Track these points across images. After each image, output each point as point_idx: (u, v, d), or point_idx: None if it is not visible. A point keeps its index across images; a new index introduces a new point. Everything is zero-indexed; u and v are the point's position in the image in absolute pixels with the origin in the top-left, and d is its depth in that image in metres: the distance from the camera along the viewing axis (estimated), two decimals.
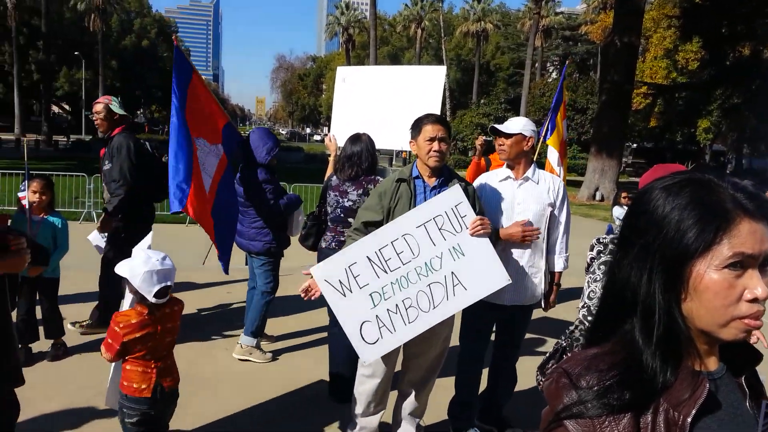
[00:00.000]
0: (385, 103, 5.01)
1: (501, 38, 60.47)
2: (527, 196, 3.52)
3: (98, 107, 5.17)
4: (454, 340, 3.87)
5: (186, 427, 3.80)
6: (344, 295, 2.99)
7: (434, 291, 3.03)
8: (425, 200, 3.21)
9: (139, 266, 2.77)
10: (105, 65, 49.52)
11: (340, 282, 2.98)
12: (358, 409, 3.51)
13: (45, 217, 4.69)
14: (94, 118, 5.22)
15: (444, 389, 4.16)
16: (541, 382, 2.27)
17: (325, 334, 5.07)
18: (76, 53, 49.01)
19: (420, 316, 3.02)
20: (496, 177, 3.61)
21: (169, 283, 2.84)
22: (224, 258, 4.72)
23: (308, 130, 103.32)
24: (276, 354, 5.15)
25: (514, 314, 3.63)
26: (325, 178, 4.45)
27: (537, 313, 3.89)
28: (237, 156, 4.99)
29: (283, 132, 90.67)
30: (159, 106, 72.69)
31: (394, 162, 34.18)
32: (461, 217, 3.04)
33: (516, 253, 3.50)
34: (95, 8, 48.04)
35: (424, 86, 5.00)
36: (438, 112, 4.62)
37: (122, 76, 56.13)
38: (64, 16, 49.74)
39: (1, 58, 46.64)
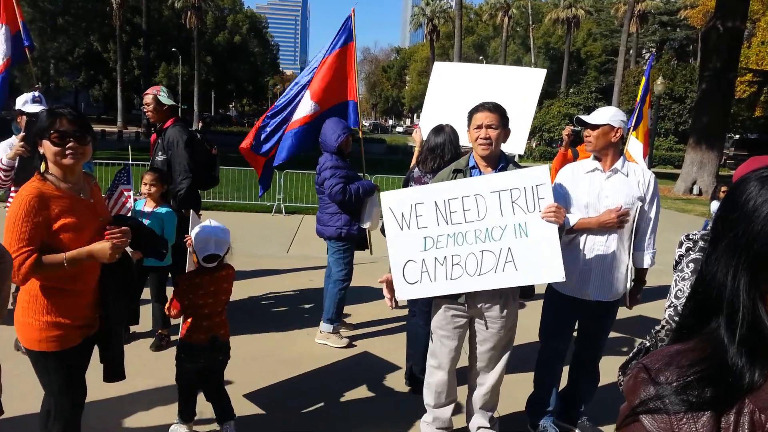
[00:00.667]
0: (477, 101, 4.95)
1: (593, 24, 58.17)
2: (615, 188, 3.38)
3: (147, 99, 5.21)
4: (534, 336, 3.80)
5: (262, 404, 3.98)
6: (401, 229, 3.06)
7: (485, 259, 2.99)
8: None
9: (198, 232, 3.29)
10: (200, 60, 51.91)
11: (402, 215, 3.05)
12: (430, 400, 3.53)
13: (155, 209, 4.81)
14: (144, 110, 5.30)
15: (522, 384, 4.10)
16: (622, 382, 2.18)
17: (404, 323, 5.12)
18: (173, 49, 51.70)
19: (462, 278, 3.00)
20: (583, 168, 3.49)
21: (218, 252, 3.28)
22: (264, 183, 5.95)
23: (391, 122, 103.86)
24: (355, 340, 5.26)
25: (597, 310, 3.51)
26: (409, 170, 4.47)
27: (623, 312, 3.74)
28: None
29: (366, 124, 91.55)
30: (249, 99, 75.45)
31: None
32: (538, 198, 2.96)
33: (601, 246, 3.38)
34: (191, 6, 50.31)
35: (521, 88, 4.86)
36: (532, 115, 4.54)
37: (216, 71, 58.67)
38: (163, 14, 52.52)
39: (106, 56, 49.97)
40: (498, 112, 3.22)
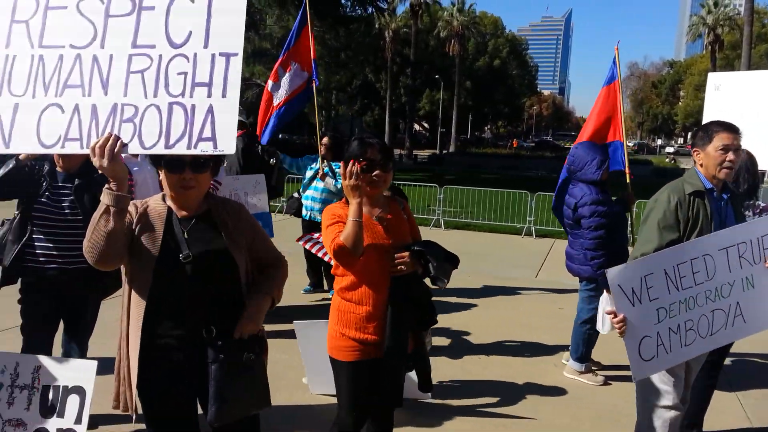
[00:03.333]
0: None
1: None
2: None
3: None
4: None
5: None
6: (633, 305, 2.86)
7: (716, 317, 2.97)
8: (719, 215, 3.12)
9: None
10: (460, 85, 54.22)
11: (633, 290, 2.86)
12: None
13: None
14: None
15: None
16: None
17: None
18: (436, 76, 54.95)
19: (696, 341, 2.94)
20: None
21: None
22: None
23: (659, 142, 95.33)
24: (611, 380, 4.82)
25: None
26: None
27: None
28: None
29: (631, 144, 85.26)
30: (504, 121, 76.26)
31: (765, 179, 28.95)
32: (763, 249, 3.00)
33: None
34: (455, 34, 53.08)
35: None
36: None
37: (474, 95, 60.60)
38: (429, 44, 56.17)
39: (378, 85, 55.21)
40: (739, 133, 3.08)
